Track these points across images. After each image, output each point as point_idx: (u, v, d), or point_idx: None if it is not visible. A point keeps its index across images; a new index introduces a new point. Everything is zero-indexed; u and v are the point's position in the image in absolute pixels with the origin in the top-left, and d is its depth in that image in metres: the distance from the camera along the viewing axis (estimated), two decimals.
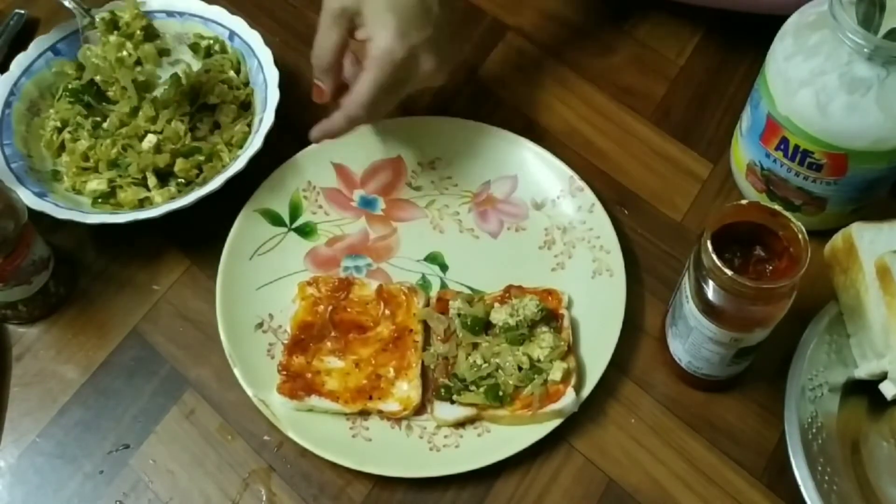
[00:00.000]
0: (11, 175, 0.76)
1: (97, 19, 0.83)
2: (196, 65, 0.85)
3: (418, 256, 0.77)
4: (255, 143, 0.76)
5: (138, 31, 0.84)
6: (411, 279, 0.76)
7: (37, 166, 0.79)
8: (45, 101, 0.82)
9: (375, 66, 0.67)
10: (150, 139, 0.78)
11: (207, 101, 0.81)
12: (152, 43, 0.84)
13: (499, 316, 0.71)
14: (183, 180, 0.78)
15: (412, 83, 0.71)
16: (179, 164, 0.78)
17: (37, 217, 0.72)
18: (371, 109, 0.69)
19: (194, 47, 0.86)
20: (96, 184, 0.77)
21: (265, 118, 0.77)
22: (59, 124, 0.81)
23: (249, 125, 0.81)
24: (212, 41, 0.85)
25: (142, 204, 0.77)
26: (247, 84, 0.84)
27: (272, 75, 0.80)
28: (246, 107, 0.83)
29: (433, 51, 0.69)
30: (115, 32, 0.83)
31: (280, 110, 0.78)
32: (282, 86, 0.79)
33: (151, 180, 0.77)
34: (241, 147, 0.79)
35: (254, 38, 0.83)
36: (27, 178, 0.76)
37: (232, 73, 0.83)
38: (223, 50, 0.85)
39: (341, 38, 0.70)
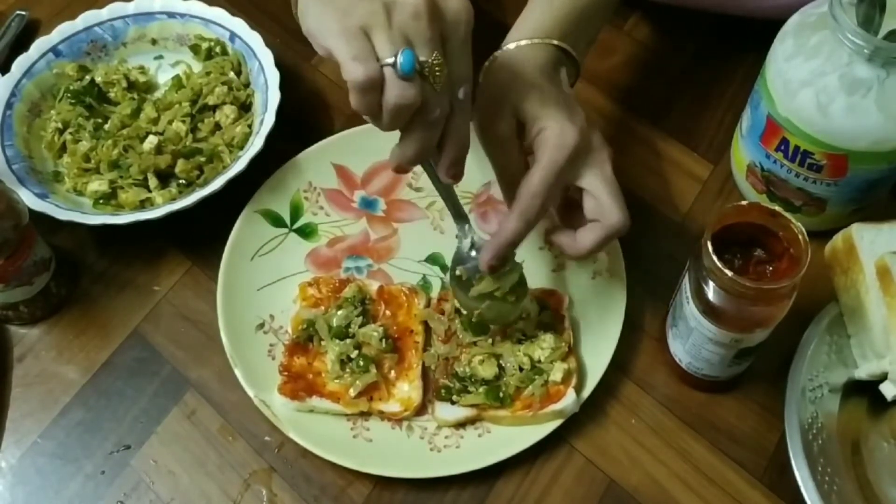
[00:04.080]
0: (13, 176, 0.76)
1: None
2: (197, 66, 0.86)
3: (419, 257, 0.77)
4: (255, 144, 0.76)
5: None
6: (412, 280, 0.76)
7: (38, 167, 0.79)
8: (47, 102, 0.83)
9: (549, 153, 0.63)
10: (152, 140, 0.79)
11: (208, 102, 0.82)
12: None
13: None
14: (184, 181, 0.78)
15: (582, 167, 0.65)
16: (180, 165, 0.78)
17: (38, 218, 0.73)
18: (544, 200, 0.63)
19: (195, 49, 0.86)
20: (97, 185, 0.77)
21: (266, 119, 0.78)
22: (60, 125, 0.81)
23: (250, 126, 0.81)
24: (213, 43, 0.85)
25: (143, 205, 0.77)
26: (247, 85, 0.84)
27: (273, 77, 0.80)
28: (247, 108, 0.83)
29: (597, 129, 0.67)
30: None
31: (281, 111, 0.78)
32: (282, 87, 0.79)
33: (152, 181, 0.78)
34: (241, 148, 0.80)
35: (255, 39, 0.83)
36: (28, 180, 0.76)
37: (232, 75, 0.83)
38: (224, 51, 0.85)
39: (516, 153, 0.66)
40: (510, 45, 0.67)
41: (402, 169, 0.60)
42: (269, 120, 0.77)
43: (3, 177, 0.75)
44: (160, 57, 0.87)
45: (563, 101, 0.65)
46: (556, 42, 0.67)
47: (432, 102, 0.55)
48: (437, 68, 0.54)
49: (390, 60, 0.53)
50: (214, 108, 0.82)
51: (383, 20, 0.54)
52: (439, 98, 0.55)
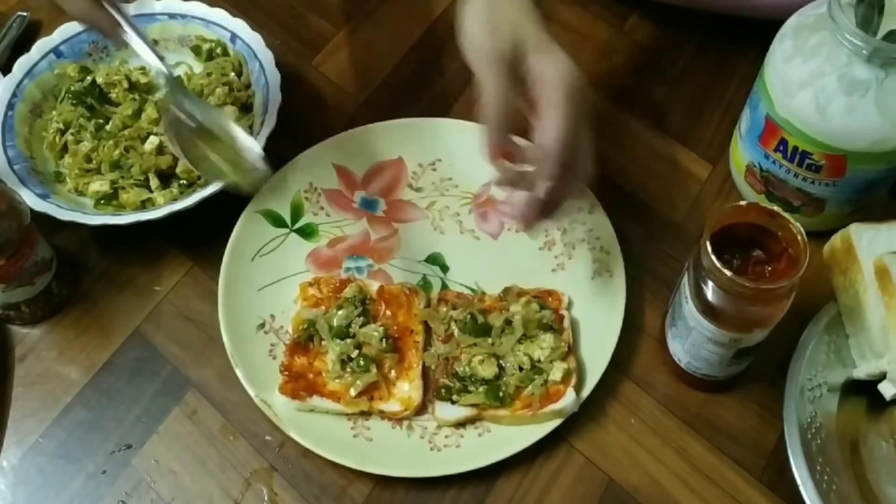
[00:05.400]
0: (14, 177, 0.76)
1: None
2: (198, 67, 0.86)
3: (419, 257, 0.78)
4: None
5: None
6: (412, 280, 0.76)
7: (39, 168, 0.79)
8: (48, 102, 0.83)
9: (564, 95, 0.58)
10: (153, 140, 0.79)
11: (209, 102, 0.82)
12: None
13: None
14: (185, 181, 0.79)
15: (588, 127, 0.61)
16: (181, 166, 0.78)
17: (39, 218, 0.73)
18: (568, 153, 0.59)
19: (196, 50, 0.86)
20: (99, 185, 0.77)
21: (267, 120, 0.78)
22: (61, 126, 0.81)
23: (251, 127, 0.81)
24: (213, 44, 0.85)
25: (144, 205, 0.77)
26: (248, 86, 0.84)
27: (274, 77, 0.80)
28: (247, 109, 0.83)
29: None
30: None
31: (281, 112, 0.78)
32: (283, 88, 0.80)
33: (154, 182, 0.78)
34: None
35: (255, 40, 0.83)
36: (30, 180, 0.76)
37: (233, 76, 0.84)
38: (225, 52, 0.85)
39: (509, 80, 0.59)
40: None
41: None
42: (270, 121, 0.78)
43: (5, 177, 0.75)
44: (161, 58, 0.87)
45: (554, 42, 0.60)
46: None
47: None
48: None
49: None
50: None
51: None
52: None
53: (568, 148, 0.59)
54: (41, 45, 0.83)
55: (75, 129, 0.80)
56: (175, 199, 0.77)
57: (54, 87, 0.83)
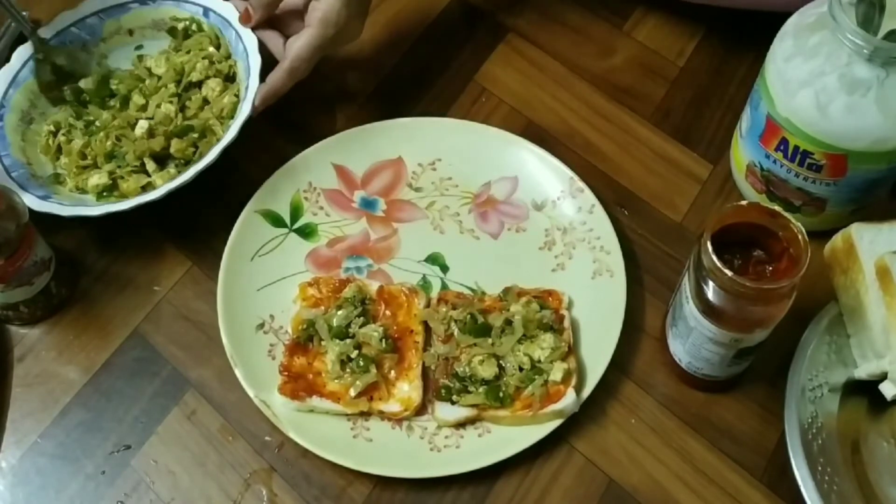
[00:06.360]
0: (14, 183, 0.75)
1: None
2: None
3: (419, 257, 0.78)
4: (244, 110, 0.76)
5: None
6: (412, 280, 0.76)
7: (38, 173, 0.78)
8: (36, 109, 0.82)
9: (320, 27, 0.77)
10: (143, 125, 0.78)
11: (192, 79, 0.82)
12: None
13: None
14: (181, 160, 0.78)
15: (341, 43, 0.80)
16: (175, 145, 0.78)
17: (38, 218, 0.72)
18: (309, 65, 0.78)
19: (172, 31, 0.85)
20: (97, 178, 0.77)
21: (251, 84, 0.77)
22: (52, 128, 0.81)
23: (237, 95, 0.81)
24: (188, 21, 0.85)
25: (145, 191, 0.77)
26: (228, 57, 0.83)
27: (251, 42, 0.80)
28: (231, 79, 0.83)
29: (363, 15, 0.81)
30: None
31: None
32: (262, 53, 0.79)
33: (150, 165, 0.77)
34: (232, 118, 0.79)
35: (228, 9, 0.82)
36: (30, 185, 0.76)
37: (212, 49, 0.83)
38: (200, 28, 0.85)
39: None
40: None
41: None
42: (254, 83, 0.77)
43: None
44: (140, 47, 0.86)
45: None
46: None
47: None
48: None
49: None
50: (200, 83, 0.82)
51: None
52: None
53: (308, 64, 0.78)
54: (20, 54, 0.82)
55: (66, 130, 0.80)
56: (174, 179, 0.76)
57: (40, 94, 0.82)
